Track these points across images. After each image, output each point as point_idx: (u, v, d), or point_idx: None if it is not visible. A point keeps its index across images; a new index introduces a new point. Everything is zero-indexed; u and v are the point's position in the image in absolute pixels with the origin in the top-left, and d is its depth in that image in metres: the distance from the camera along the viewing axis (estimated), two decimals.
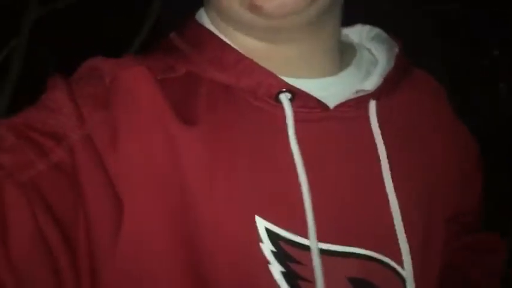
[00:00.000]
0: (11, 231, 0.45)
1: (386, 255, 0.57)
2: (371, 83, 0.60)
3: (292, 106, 0.55)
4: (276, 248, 0.53)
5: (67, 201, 0.49)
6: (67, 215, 0.48)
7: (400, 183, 0.58)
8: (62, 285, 0.46)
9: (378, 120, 0.59)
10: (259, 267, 0.53)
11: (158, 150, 0.53)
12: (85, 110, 0.52)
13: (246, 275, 0.53)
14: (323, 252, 0.54)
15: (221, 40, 0.59)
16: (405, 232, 0.57)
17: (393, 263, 0.57)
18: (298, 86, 0.56)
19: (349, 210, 0.56)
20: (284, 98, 0.55)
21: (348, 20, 0.66)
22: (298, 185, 0.54)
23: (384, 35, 0.67)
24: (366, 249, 0.56)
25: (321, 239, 0.54)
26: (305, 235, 0.53)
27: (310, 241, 0.53)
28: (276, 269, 0.53)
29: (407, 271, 0.57)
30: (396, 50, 0.63)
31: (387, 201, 0.57)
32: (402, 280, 0.57)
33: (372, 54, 0.66)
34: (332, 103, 0.57)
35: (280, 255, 0.53)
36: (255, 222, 0.53)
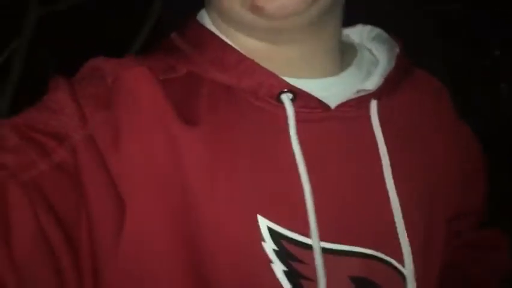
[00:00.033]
0: (14, 231, 0.45)
1: (387, 254, 0.57)
2: (372, 83, 0.60)
3: (294, 106, 0.55)
4: (278, 247, 0.53)
5: (69, 201, 0.49)
6: (69, 215, 0.48)
7: (401, 183, 0.58)
8: (64, 285, 0.46)
9: (379, 120, 0.59)
10: (262, 266, 0.53)
11: (159, 150, 0.53)
12: (87, 110, 0.52)
13: (248, 275, 0.53)
14: (325, 251, 0.54)
15: (222, 41, 0.59)
16: (406, 231, 0.57)
17: (394, 262, 0.57)
18: (299, 86, 0.56)
19: (350, 209, 0.56)
20: (285, 98, 0.55)
21: (349, 20, 0.66)
22: (300, 185, 0.54)
23: (385, 35, 0.67)
24: (368, 248, 0.56)
25: (323, 238, 0.54)
26: (307, 234, 0.54)
27: (313, 240, 0.53)
28: (278, 268, 0.53)
29: (407, 270, 0.57)
30: (397, 50, 0.63)
31: (388, 200, 0.58)
32: (404, 279, 0.57)
33: (373, 55, 0.66)
34: (333, 103, 0.57)
35: (282, 254, 0.53)
36: (257, 221, 0.53)
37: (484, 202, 0.72)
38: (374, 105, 0.59)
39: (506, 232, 0.75)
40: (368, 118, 0.59)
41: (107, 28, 1.80)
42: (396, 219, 0.57)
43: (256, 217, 0.53)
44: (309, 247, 0.53)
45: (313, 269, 0.53)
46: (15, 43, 1.44)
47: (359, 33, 0.69)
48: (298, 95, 0.56)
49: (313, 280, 0.53)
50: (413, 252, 0.57)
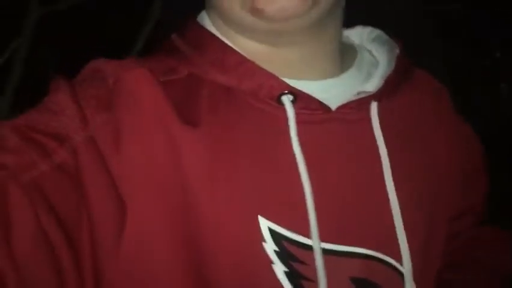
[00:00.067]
0: (14, 231, 0.45)
1: (388, 255, 0.57)
2: (372, 85, 0.60)
3: (294, 108, 0.56)
4: (279, 248, 0.53)
5: (70, 202, 0.49)
6: (70, 216, 0.48)
7: (401, 183, 0.58)
8: (65, 285, 0.47)
9: (379, 122, 0.59)
10: (263, 267, 0.53)
11: (159, 151, 0.53)
12: (88, 111, 0.52)
13: (248, 275, 0.53)
14: (325, 252, 0.54)
15: (222, 42, 0.59)
16: (406, 232, 0.57)
17: (394, 263, 0.57)
18: (300, 88, 0.56)
19: (351, 210, 0.56)
20: (286, 99, 0.56)
21: (349, 20, 0.66)
22: (300, 186, 0.54)
23: (385, 36, 0.67)
24: (368, 249, 0.56)
25: (323, 238, 0.54)
26: (308, 235, 0.54)
27: (313, 241, 0.53)
28: (279, 269, 0.53)
29: (406, 270, 0.57)
30: (397, 51, 0.63)
31: (388, 201, 0.58)
32: (404, 279, 0.57)
33: (373, 56, 0.66)
34: (333, 105, 0.57)
35: (283, 255, 0.53)
36: (258, 222, 0.53)
37: (485, 202, 0.72)
38: (374, 107, 0.59)
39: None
40: (369, 120, 0.59)
41: (107, 28, 1.80)
42: (395, 220, 0.57)
43: (257, 218, 0.53)
44: (309, 248, 0.54)
45: (314, 270, 0.53)
46: (16, 43, 1.44)
47: (359, 35, 0.69)
48: (299, 97, 0.56)
49: (314, 281, 0.54)
50: (413, 252, 0.57)
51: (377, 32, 0.68)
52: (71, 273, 0.47)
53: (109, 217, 0.50)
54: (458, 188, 0.66)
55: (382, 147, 0.58)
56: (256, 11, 0.54)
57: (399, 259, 0.57)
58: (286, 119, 0.55)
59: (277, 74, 0.56)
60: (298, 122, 0.55)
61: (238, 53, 0.58)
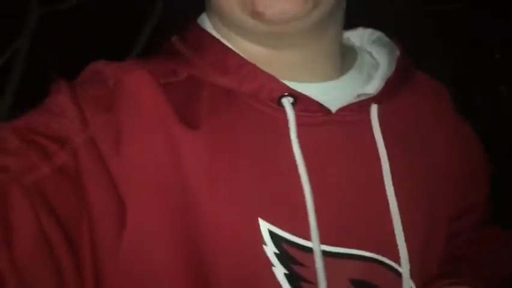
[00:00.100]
0: (15, 232, 0.45)
1: (388, 257, 0.57)
2: (372, 87, 0.60)
3: (294, 110, 0.56)
4: (279, 250, 0.53)
5: (71, 203, 0.49)
6: (71, 217, 0.49)
7: (401, 184, 0.58)
8: (65, 285, 0.47)
9: (379, 124, 0.59)
10: (263, 269, 0.53)
11: (159, 151, 0.53)
12: (88, 113, 0.52)
13: (248, 276, 0.53)
14: (325, 254, 0.54)
15: (223, 44, 0.59)
16: (405, 233, 0.57)
17: (394, 264, 0.57)
18: (300, 90, 0.56)
19: (350, 212, 0.57)
20: (286, 102, 0.56)
21: (349, 21, 0.66)
22: (300, 188, 0.54)
23: (385, 38, 0.67)
24: (368, 251, 0.56)
25: (323, 241, 0.54)
26: (308, 237, 0.54)
27: (313, 243, 0.54)
28: (279, 271, 0.53)
29: (404, 271, 0.57)
30: (398, 53, 0.64)
31: (388, 203, 0.58)
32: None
33: (373, 58, 0.66)
34: (333, 107, 0.57)
35: (283, 258, 0.53)
36: (258, 224, 0.53)
37: (486, 202, 0.72)
38: (374, 109, 0.59)
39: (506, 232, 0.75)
40: (369, 122, 0.59)
41: (107, 28, 1.80)
42: (394, 222, 0.57)
43: (257, 220, 0.53)
44: (309, 250, 0.54)
45: (314, 272, 0.53)
46: (16, 43, 1.45)
47: (359, 36, 0.69)
48: (299, 99, 0.56)
49: (314, 283, 0.54)
50: (412, 253, 0.57)
51: (377, 33, 0.68)
52: (71, 274, 0.47)
53: (109, 217, 0.51)
54: (458, 188, 0.66)
55: (382, 149, 0.58)
56: (256, 14, 0.54)
57: (398, 261, 0.57)
58: (286, 121, 0.55)
59: (277, 76, 0.56)
60: (299, 124, 0.55)
61: (239, 55, 0.58)
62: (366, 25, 0.70)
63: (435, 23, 2.11)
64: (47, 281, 0.46)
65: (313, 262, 0.54)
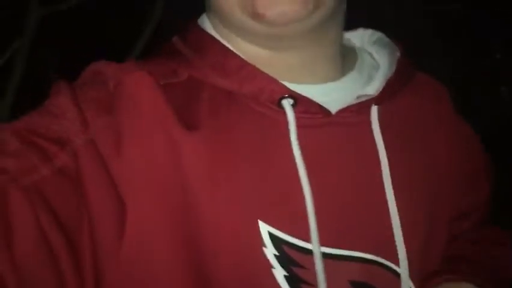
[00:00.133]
0: (15, 233, 0.45)
1: (387, 259, 0.57)
2: (372, 88, 0.60)
3: (295, 112, 0.56)
4: (279, 253, 0.53)
5: (71, 205, 0.49)
6: (71, 219, 0.49)
7: (401, 186, 0.59)
8: (65, 286, 0.47)
9: (379, 125, 0.59)
10: (263, 271, 0.53)
11: (159, 152, 0.53)
12: (89, 114, 0.52)
13: (248, 277, 0.54)
14: (325, 256, 0.54)
15: (223, 46, 0.59)
16: (405, 234, 0.57)
17: (394, 266, 0.57)
18: (300, 92, 0.56)
19: (350, 214, 0.57)
20: (286, 103, 0.56)
21: (349, 21, 0.66)
22: (300, 190, 0.54)
23: (386, 39, 0.67)
24: (367, 253, 0.56)
25: (323, 243, 0.54)
26: (308, 239, 0.54)
27: (313, 245, 0.54)
28: (279, 273, 0.53)
29: (403, 273, 0.57)
30: (398, 54, 0.63)
31: (387, 205, 0.58)
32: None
33: (374, 59, 0.66)
34: (334, 108, 0.57)
35: (283, 260, 0.54)
36: (258, 226, 0.53)
37: (487, 202, 0.72)
38: (374, 110, 0.59)
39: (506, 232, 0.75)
40: (369, 123, 0.59)
41: (107, 28, 1.80)
42: (393, 225, 0.57)
43: (257, 222, 0.53)
44: (309, 252, 0.54)
45: (314, 274, 0.53)
46: (17, 43, 1.45)
47: (360, 37, 0.69)
48: (299, 101, 0.56)
49: (314, 285, 0.54)
50: (412, 254, 0.57)
51: (378, 34, 0.68)
52: (72, 274, 0.47)
53: (110, 218, 0.51)
54: (458, 189, 0.66)
55: (382, 151, 0.58)
56: (257, 16, 0.54)
57: (398, 262, 0.57)
58: (286, 123, 0.55)
59: (278, 78, 0.56)
60: (299, 126, 0.55)
61: (239, 57, 0.58)
62: (366, 26, 0.70)
63: (435, 23, 2.11)
64: (47, 281, 0.46)
65: (313, 264, 0.54)
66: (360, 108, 0.59)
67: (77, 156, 0.50)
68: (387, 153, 0.58)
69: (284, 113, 0.56)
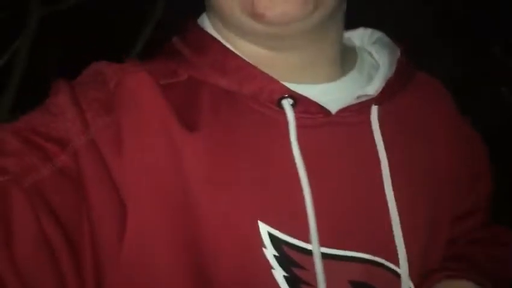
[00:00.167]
0: (15, 234, 0.45)
1: (387, 259, 0.57)
2: (372, 88, 0.60)
3: (295, 112, 0.56)
4: (279, 253, 0.53)
5: (71, 205, 0.49)
6: (71, 219, 0.49)
7: (401, 187, 0.58)
8: (66, 287, 0.47)
9: (380, 125, 0.59)
10: (263, 271, 0.53)
11: (160, 153, 0.53)
12: (89, 114, 0.52)
13: (248, 279, 0.54)
14: (325, 256, 0.54)
15: (223, 45, 0.59)
16: (405, 235, 0.57)
17: (394, 267, 0.57)
18: (300, 92, 0.56)
19: (350, 214, 0.57)
20: (286, 103, 0.56)
21: (349, 21, 0.66)
22: (300, 190, 0.54)
23: (386, 38, 0.67)
24: (367, 253, 0.56)
25: (323, 243, 0.54)
26: (307, 240, 0.54)
27: (313, 246, 0.54)
28: (279, 274, 0.53)
29: (403, 274, 0.57)
30: (398, 54, 0.63)
31: (387, 205, 0.58)
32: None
33: (374, 58, 0.66)
34: (334, 108, 0.57)
35: (283, 260, 0.54)
36: (258, 227, 0.53)
37: (488, 203, 0.71)
38: (374, 110, 0.59)
39: None
40: (369, 123, 0.59)
41: (107, 28, 1.80)
42: (393, 225, 0.57)
43: (256, 222, 0.53)
44: (309, 253, 0.54)
45: (314, 275, 0.53)
46: (17, 43, 1.45)
47: (360, 37, 0.69)
48: (299, 101, 0.56)
49: (314, 285, 0.54)
50: (413, 256, 0.57)
51: (378, 34, 0.68)
52: (72, 276, 0.47)
53: (110, 220, 0.51)
54: (459, 189, 0.66)
55: (382, 151, 0.58)
56: (256, 16, 0.54)
57: (398, 263, 0.57)
58: (286, 123, 0.55)
59: (278, 77, 0.56)
60: (299, 126, 0.55)
61: (239, 57, 0.58)
62: (367, 25, 0.70)
63: (435, 23, 2.11)
64: (47, 282, 0.46)
65: (313, 264, 0.54)
66: (360, 108, 0.59)
67: (78, 157, 0.50)
68: (387, 153, 0.58)
69: (284, 113, 0.56)
